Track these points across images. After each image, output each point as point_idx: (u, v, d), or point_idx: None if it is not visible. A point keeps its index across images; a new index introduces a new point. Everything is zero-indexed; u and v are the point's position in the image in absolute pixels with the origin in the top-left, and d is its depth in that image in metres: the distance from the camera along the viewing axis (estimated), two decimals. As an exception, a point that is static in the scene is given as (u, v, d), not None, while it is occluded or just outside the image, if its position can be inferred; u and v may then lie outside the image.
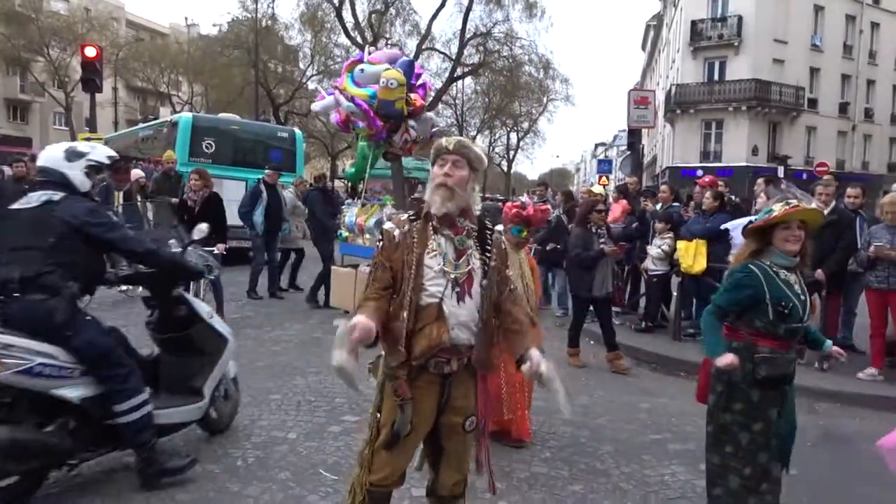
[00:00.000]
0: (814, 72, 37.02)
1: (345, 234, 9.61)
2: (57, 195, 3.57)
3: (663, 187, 9.45)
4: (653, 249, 8.32)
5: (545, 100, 41.27)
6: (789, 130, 36.05)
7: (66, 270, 3.46)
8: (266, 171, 10.38)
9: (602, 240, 6.90)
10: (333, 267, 9.63)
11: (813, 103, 36.89)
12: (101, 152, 3.85)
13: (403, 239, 2.67)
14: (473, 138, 44.03)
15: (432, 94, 26.93)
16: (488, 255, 2.73)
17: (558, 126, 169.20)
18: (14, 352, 3.26)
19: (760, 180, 8.38)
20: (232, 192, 11.36)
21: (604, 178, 27.23)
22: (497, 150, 48.77)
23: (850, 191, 7.43)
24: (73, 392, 3.45)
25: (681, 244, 7.95)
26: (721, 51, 35.36)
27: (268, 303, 9.92)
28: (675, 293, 8.28)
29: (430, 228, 2.69)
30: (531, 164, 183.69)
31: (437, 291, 2.61)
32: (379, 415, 2.73)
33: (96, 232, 3.58)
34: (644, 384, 6.48)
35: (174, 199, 9.82)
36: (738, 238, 3.51)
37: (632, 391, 6.25)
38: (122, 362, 3.64)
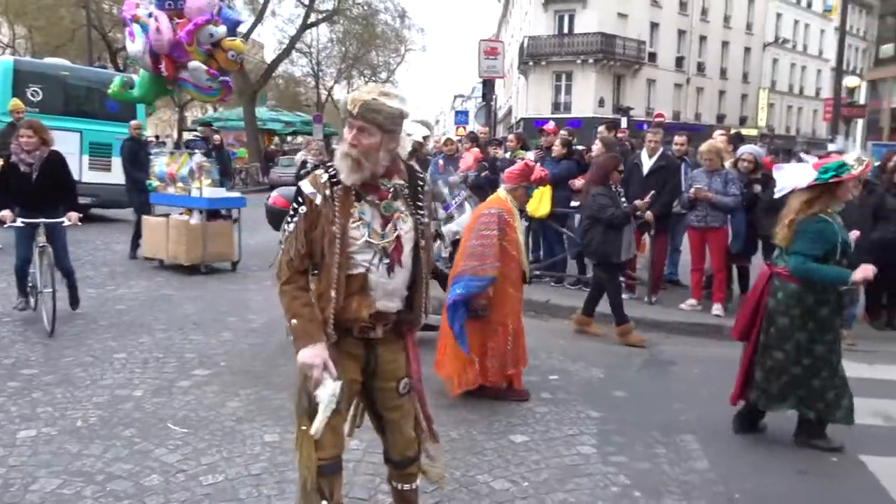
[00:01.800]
0: (654, 26, 39.34)
1: (155, 183, 9.44)
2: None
3: (510, 137, 9.82)
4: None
5: (403, 49, 41.02)
6: (632, 83, 38.25)
7: None
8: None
9: (623, 199, 6.47)
10: (144, 217, 9.48)
11: (653, 57, 39.31)
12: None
13: (324, 205, 2.40)
14: (331, 88, 43.12)
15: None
16: (421, 212, 2.53)
17: (418, 78, 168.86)
18: None
19: (601, 128, 8.98)
20: (65, 145, 10.47)
21: (460, 129, 27.67)
22: (356, 100, 47.99)
23: (677, 139, 8.13)
24: None
25: (527, 190, 8.31)
26: (570, 4, 36.64)
27: (110, 262, 9.39)
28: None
29: (353, 194, 2.43)
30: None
31: (364, 262, 2.44)
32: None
33: None
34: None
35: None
36: (778, 191, 4.07)
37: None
38: None
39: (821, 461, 3.94)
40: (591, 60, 35.85)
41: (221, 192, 9.58)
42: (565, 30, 37.25)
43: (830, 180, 3.78)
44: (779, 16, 47.41)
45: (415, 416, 2.70)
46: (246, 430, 3.99)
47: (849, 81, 25.30)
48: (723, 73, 44.20)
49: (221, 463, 3.57)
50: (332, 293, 2.41)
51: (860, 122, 24.89)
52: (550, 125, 11.04)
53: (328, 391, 2.36)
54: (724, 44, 43.95)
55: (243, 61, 8.80)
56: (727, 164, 7.31)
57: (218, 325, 6.28)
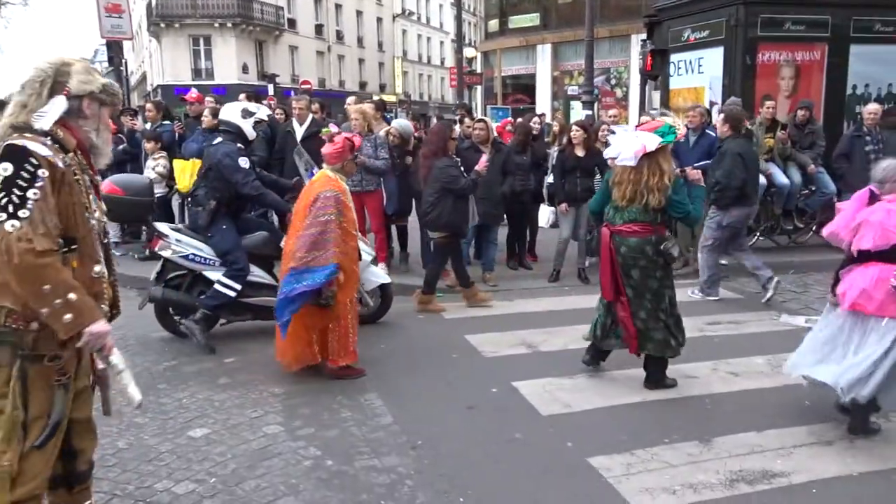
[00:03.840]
0: (290, -8, 39.22)
1: None
2: (217, 139, 5.34)
3: (149, 106, 8.98)
4: (148, 171, 7.88)
5: (-1, 3, 34.66)
6: (274, 49, 37.81)
7: (210, 191, 5.21)
8: None
9: (461, 168, 6.39)
10: None
11: (293, 23, 39.27)
12: (263, 112, 5.80)
13: (68, 171, 2.17)
14: None
15: None
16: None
17: (22, 36, 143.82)
18: (180, 245, 5.19)
19: (242, 95, 8.81)
20: None
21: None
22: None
23: (314, 107, 8.32)
24: (213, 274, 5.16)
25: (177, 163, 7.73)
26: (201, -39, 34.53)
27: None
28: (176, 213, 8.08)
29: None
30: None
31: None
32: (26, 412, 2.16)
33: (224, 171, 5.12)
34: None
35: None
36: (628, 160, 4.21)
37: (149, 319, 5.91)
38: (238, 262, 5.15)
39: (485, 394, 4.39)
40: (229, 24, 34.39)
41: None
42: (198, -10, 35.10)
43: (673, 140, 4.24)
44: (404, -11, 51.02)
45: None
46: None
47: (467, 52, 28.43)
48: (360, 42, 46.16)
49: None
50: (99, 268, 2.30)
51: (479, 88, 28.13)
52: (193, 93, 10.34)
53: (119, 356, 2.32)
54: (359, 13, 45.83)
55: None
56: (381, 132, 7.59)
57: None
